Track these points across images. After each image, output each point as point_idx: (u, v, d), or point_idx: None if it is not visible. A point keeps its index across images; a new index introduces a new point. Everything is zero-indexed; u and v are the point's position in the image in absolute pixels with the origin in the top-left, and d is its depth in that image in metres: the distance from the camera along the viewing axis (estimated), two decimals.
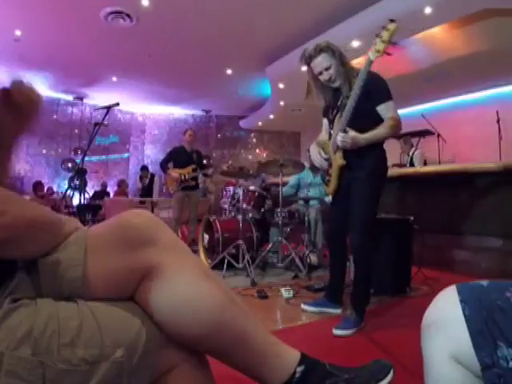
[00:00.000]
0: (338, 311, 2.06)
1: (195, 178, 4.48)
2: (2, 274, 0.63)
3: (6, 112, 0.73)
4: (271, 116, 9.39)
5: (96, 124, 3.31)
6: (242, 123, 10.73)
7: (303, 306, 2.13)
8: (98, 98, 9.15)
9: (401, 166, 5.64)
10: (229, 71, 7.46)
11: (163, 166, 4.55)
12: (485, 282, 0.59)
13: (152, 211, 6.00)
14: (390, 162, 6.08)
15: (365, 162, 1.83)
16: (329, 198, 2.58)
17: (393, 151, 6.14)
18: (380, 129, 1.77)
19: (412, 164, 5.01)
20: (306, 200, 3.60)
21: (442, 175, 3.36)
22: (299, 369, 0.75)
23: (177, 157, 4.51)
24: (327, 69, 1.84)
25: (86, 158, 4.01)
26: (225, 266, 3.04)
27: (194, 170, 4.41)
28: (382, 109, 1.79)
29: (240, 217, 3.20)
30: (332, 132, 1.95)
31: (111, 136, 9.94)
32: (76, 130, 9.40)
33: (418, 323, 0.63)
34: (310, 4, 4.89)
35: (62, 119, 9.29)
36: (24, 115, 0.76)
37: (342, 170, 1.89)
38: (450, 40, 4.98)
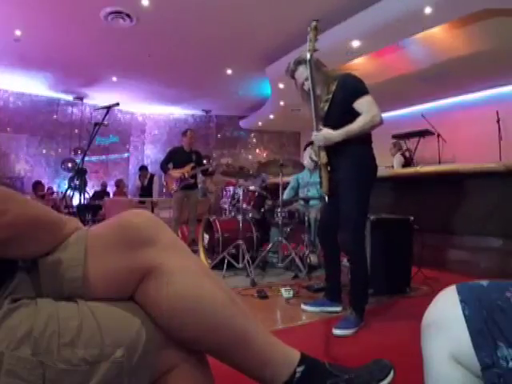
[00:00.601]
0: (338, 309, 2.07)
1: (194, 176, 4.49)
2: (2, 274, 0.63)
3: None
4: (271, 116, 9.38)
5: (96, 124, 3.31)
6: (241, 123, 10.73)
7: (303, 306, 2.14)
8: (98, 97, 9.15)
9: (401, 166, 5.64)
10: (229, 71, 7.46)
11: (163, 166, 4.56)
12: (485, 282, 0.59)
13: (152, 211, 6.00)
14: (389, 162, 6.09)
15: (350, 162, 1.87)
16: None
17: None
18: (354, 123, 1.82)
19: (392, 166, 5.29)
20: (306, 200, 3.60)
21: (441, 175, 3.35)
22: (299, 369, 0.75)
23: (176, 157, 4.52)
24: (307, 79, 1.92)
25: (86, 158, 4.01)
26: (225, 266, 3.04)
27: (194, 169, 4.41)
28: (358, 105, 1.84)
29: (240, 217, 3.20)
30: None
31: (111, 136, 9.94)
32: (76, 130, 9.40)
33: (418, 323, 0.63)
34: (310, 4, 4.89)
35: (62, 119, 9.29)
36: None
37: (329, 169, 1.94)
38: (450, 40, 4.98)
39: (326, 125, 1.89)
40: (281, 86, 7.20)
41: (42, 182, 7.64)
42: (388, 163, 5.58)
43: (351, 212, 1.83)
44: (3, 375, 0.53)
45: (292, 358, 0.76)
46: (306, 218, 3.34)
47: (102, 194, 8.12)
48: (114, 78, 7.89)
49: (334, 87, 1.91)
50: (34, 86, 8.36)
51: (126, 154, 10.36)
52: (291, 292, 2.39)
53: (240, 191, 3.34)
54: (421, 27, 4.67)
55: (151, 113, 10.58)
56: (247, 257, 2.98)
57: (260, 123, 10.38)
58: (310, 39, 1.81)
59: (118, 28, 5.58)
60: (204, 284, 0.71)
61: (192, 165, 4.42)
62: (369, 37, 5.07)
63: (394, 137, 6.21)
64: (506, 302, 0.54)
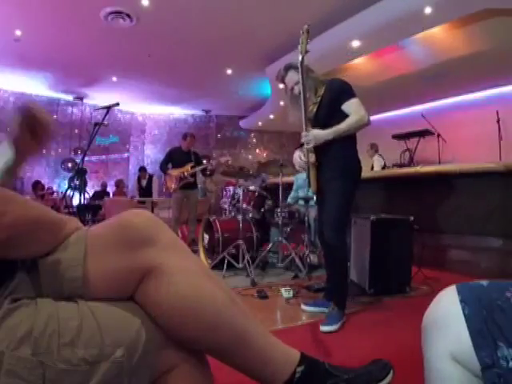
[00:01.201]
0: None
1: (194, 175, 4.49)
2: (2, 274, 0.63)
3: (26, 133, 0.83)
4: (271, 116, 9.38)
5: (96, 124, 3.31)
6: (241, 123, 10.73)
7: (303, 307, 2.14)
8: (98, 98, 9.15)
9: (401, 165, 5.66)
10: (229, 71, 7.46)
11: (163, 167, 4.58)
12: (485, 282, 0.59)
13: (152, 211, 6.00)
14: (389, 162, 6.10)
15: (335, 163, 1.95)
16: None
17: (393, 151, 6.17)
18: (342, 123, 1.90)
19: (372, 167, 5.38)
20: (306, 200, 3.60)
21: (441, 175, 3.35)
22: (299, 369, 0.75)
23: (175, 157, 4.53)
24: (297, 83, 2.00)
25: (86, 158, 4.01)
26: (225, 265, 3.04)
27: (193, 168, 4.42)
28: (346, 106, 1.93)
29: (240, 217, 3.20)
30: None
31: (111, 136, 9.94)
32: (76, 130, 9.40)
33: (418, 323, 0.63)
34: (310, 4, 4.89)
35: (62, 119, 9.28)
36: (40, 136, 0.86)
37: (317, 169, 2.00)
38: (450, 40, 4.98)
39: (314, 126, 1.97)
40: (281, 86, 7.20)
41: (42, 181, 7.64)
42: (388, 163, 5.59)
43: (335, 211, 1.91)
44: (3, 375, 0.53)
45: (292, 358, 0.76)
46: (306, 218, 3.35)
47: (101, 194, 8.12)
48: (114, 78, 7.89)
49: (322, 91, 2.01)
50: (34, 85, 8.36)
51: (125, 154, 10.36)
52: (291, 292, 2.39)
53: (240, 191, 3.35)
54: (421, 27, 4.67)
55: (151, 113, 10.57)
56: (247, 257, 2.98)
57: (260, 123, 10.37)
58: (301, 42, 1.88)
59: (118, 28, 5.58)
60: (204, 284, 0.71)
61: (191, 164, 4.43)
62: (369, 37, 5.07)
63: (394, 137, 6.22)
64: (506, 302, 0.54)
